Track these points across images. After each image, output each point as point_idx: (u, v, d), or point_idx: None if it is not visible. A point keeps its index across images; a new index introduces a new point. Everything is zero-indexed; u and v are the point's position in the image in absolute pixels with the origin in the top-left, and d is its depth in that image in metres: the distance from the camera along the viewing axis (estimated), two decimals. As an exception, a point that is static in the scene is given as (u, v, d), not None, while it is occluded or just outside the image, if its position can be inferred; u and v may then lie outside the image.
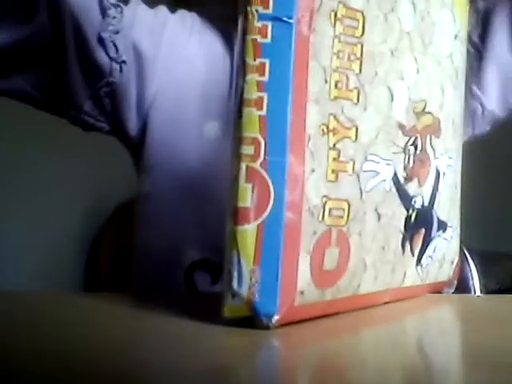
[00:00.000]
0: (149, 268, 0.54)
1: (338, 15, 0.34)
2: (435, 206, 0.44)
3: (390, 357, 0.28)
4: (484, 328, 0.36)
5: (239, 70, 0.32)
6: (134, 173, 0.58)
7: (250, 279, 0.32)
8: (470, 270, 0.61)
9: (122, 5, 0.54)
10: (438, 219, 0.45)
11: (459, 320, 0.42)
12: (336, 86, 0.34)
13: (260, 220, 0.32)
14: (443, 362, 0.27)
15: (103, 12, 0.52)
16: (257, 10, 0.32)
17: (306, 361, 0.29)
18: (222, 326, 0.32)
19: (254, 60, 0.32)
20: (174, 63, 0.56)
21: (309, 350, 0.31)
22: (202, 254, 0.53)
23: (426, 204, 0.43)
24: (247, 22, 0.32)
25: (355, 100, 0.35)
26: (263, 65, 0.32)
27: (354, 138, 0.35)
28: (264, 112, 0.32)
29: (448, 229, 0.47)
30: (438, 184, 0.43)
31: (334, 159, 0.34)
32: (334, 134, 0.34)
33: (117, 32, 0.52)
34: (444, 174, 0.44)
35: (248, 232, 0.32)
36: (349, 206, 0.35)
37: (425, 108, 0.40)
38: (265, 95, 0.32)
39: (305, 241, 0.33)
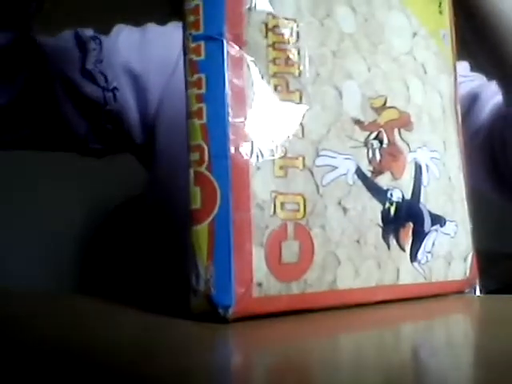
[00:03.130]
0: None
1: (269, 26, 0.37)
2: (422, 200, 0.44)
3: (376, 357, 0.29)
4: (484, 328, 0.36)
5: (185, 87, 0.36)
6: (137, 172, 0.59)
7: (206, 275, 0.34)
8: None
9: (99, 36, 0.57)
10: (430, 213, 0.44)
11: (459, 320, 0.40)
12: (276, 89, 0.37)
13: (209, 219, 0.34)
14: (441, 362, 0.27)
15: (81, 47, 0.55)
16: (190, 34, 0.36)
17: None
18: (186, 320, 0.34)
19: (192, 76, 0.35)
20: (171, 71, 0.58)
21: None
22: None
23: (408, 197, 0.43)
24: (185, 44, 0.36)
25: (297, 101, 0.37)
26: (200, 79, 0.35)
27: (300, 135, 0.37)
28: (204, 121, 0.35)
29: (448, 223, 0.46)
30: (419, 177, 0.43)
31: (281, 157, 0.36)
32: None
33: (101, 61, 0.55)
34: (428, 166, 0.44)
35: (200, 232, 0.34)
36: (304, 200, 0.37)
37: (385, 103, 0.41)
38: (204, 106, 0.35)
39: (256, 235, 0.35)
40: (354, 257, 0.39)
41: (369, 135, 0.40)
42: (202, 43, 0.36)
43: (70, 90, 0.55)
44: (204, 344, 0.30)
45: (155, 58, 0.60)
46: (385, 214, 0.41)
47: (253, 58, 0.36)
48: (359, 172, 0.39)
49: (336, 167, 0.38)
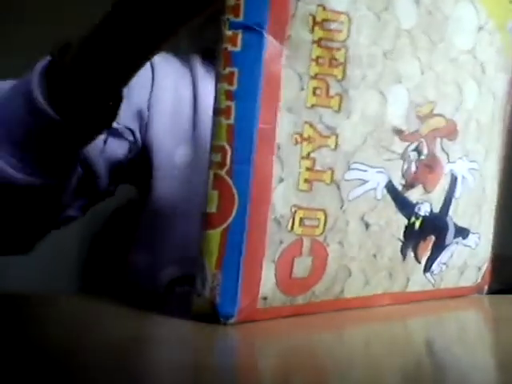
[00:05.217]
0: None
1: (317, 19, 0.32)
2: (450, 213, 0.41)
3: (382, 355, 0.28)
4: (486, 328, 0.35)
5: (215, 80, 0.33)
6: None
7: (212, 282, 0.33)
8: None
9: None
10: (456, 225, 0.42)
11: (460, 320, 0.39)
12: (314, 93, 0.33)
13: (224, 226, 0.32)
14: (441, 361, 0.26)
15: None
16: (228, 19, 0.32)
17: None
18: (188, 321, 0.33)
19: (224, 69, 0.32)
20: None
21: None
22: (182, 270, 0.54)
23: (437, 211, 0.40)
24: (220, 30, 0.32)
25: (336, 107, 0.34)
26: (232, 74, 0.32)
27: (333, 146, 0.34)
28: (232, 121, 0.32)
29: (471, 235, 0.43)
30: (453, 189, 0.41)
31: (308, 169, 0.33)
32: (309, 143, 0.33)
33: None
34: (464, 178, 0.41)
35: (212, 237, 0.33)
36: (325, 215, 0.34)
37: (432, 110, 0.38)
38: (233, 104, 0.32)
39: (269, 249, 0.33)
40: (368, 269, 0.38)
41: (408, 146, 0.37)
42: (240, 32, 0.32)
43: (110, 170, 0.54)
44: (205, 341, 0.30)
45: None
46: (409, 228, 0.39)
47: (294, 56, 0.32)
48: (390, 186, 0.37)
49: (366, 181, 0.36)
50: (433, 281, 0.42)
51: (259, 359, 0.28)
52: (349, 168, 0.35)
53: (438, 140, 0.39)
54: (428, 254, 0.41)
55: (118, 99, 0.42)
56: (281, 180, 0.33)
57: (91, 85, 0.40)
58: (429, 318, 0.39)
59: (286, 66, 0.32)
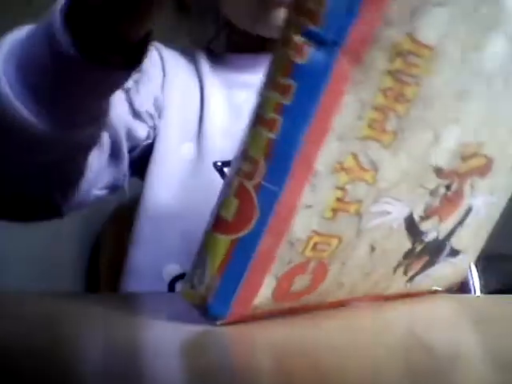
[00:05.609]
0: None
1: (402, 49, 0.28)
2: (452, 239, 0.41)
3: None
4: (484, 328, 0.35)
5: (263, 82, 0.28)
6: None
7: (210, 282, 0.32)
8: (470, 270, 0.59)
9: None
10: (452, 248, 0.42)
11: (459, 320, 0.41)
12: (370, 125, 0.30)
13: (235, 236, 0.31)
14: (438, 362, 0.27)
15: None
16: (302, 24, 0.27)
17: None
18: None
19: (280, 78, 0.28)
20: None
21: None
22: (182, 268, 0.53)
23: (441, 238, 0.40)
24: (284, 32, 0.27)
25: (386, 143, 0.31)
26: (288, 86, 0.28)
27: (370, 181, 0.31)
28: (274, 136, 0.29)
29: (460, 255, 0.44)
30: (464, 219, 0.40)
31: (338, 199, 0.31)
32: (347, 174, 0.31)
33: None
34: (478, 211, 0.40)
35: (221, 242, 0.31)
36: (339, 241, 0.33)
37: (478, 151, 0.35)
38: (280, 118, 0.28)
39: (276, 267, 0.32)
40: (357, 283, 0.38)
41: (441, 183, 0.35)
42: (311, 43, 0.27)
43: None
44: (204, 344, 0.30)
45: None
46: (409, 251, 0.38)
47: (361, 82, 0.28)
48: (409, 218, 0.35)
49: (390, 213, 0.34)
50: (410, 287, 0.43)
51: (253, 359, 0.28)
52: (377, 202, 0.33)
53: (470, 177, 0.37)
54: (417, 270, 0.41)
55: (144, 41, 0.37)
56: (308, 207, 0.31)
57: (115, 20, 0.37)
58: (416, 316, 0.40)
59: (350, 91, 0.28)
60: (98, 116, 0.43)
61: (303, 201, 0.30)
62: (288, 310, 0.35)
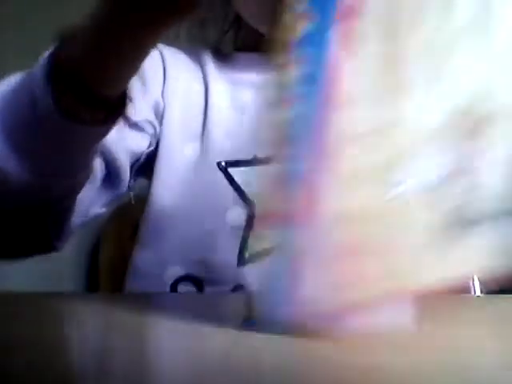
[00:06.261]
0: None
1: None
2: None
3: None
4: (484, 328, 0.36)
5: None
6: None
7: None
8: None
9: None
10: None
11: (458, 320, 0.41)
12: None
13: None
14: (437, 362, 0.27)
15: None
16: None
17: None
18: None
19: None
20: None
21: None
22: (185, 270, 0.53)
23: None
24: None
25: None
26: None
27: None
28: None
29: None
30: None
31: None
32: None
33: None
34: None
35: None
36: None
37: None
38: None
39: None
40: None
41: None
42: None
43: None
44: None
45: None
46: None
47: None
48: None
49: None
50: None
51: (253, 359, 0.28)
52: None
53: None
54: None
55: (123, 97, 0.40)
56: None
57: (95, 75, 0.39)
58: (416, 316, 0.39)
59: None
60: (83, 165, 0.45)
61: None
62: None
